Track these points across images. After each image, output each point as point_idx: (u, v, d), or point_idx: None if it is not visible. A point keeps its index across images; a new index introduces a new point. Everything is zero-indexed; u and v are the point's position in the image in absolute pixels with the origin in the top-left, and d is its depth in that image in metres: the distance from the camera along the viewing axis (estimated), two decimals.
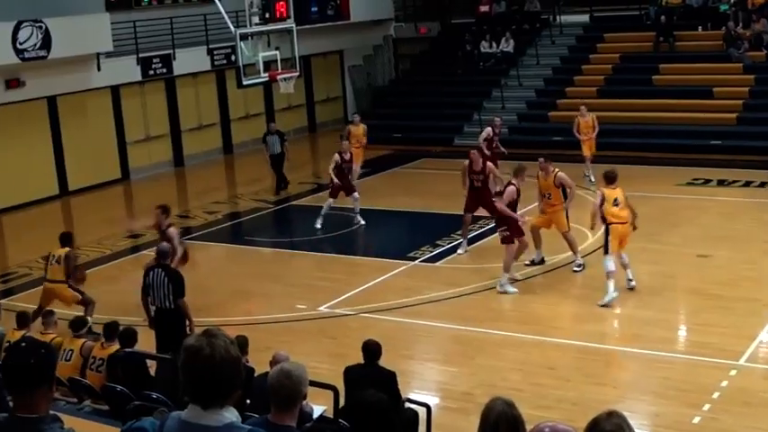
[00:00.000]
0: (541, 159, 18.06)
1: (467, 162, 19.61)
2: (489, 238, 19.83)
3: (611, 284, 16.14)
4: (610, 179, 16.51)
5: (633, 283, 16.70)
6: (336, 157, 22.06)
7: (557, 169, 17.96)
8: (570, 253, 18.34)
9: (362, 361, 10.66)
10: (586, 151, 24.81)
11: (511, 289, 17.11)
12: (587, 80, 31.59)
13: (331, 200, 22.06)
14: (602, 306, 16.06)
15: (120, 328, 12.10)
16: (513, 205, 17.28)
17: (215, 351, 4.05)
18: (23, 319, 12.65)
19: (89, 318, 14.25)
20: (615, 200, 16.23)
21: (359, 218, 22.23)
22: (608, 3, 34.67)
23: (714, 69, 29.73)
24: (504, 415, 5.22)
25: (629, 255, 16.68)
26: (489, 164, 19.76)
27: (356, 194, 22.21)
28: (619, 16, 34.30)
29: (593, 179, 24.03)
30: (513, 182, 17.40)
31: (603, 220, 16.23)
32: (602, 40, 33.20)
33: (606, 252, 16.21)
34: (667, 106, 29.15)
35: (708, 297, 16.34)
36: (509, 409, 5.26)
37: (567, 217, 18.02)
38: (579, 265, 17.91)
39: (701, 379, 13.13)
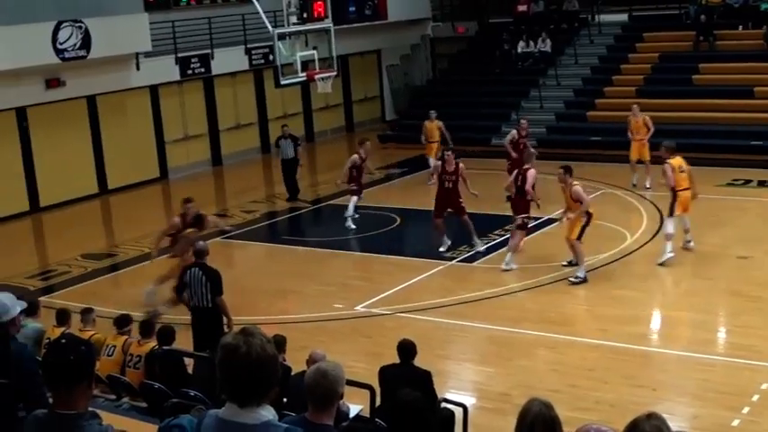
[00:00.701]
0: (560, 171, 17.62)
1: (439, 163, 19.94)
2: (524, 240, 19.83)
3: (669, 245, 17.84)
4: (673, 150, 18.26)
5: (692, 244, 18.43)
6: (355, 157, 22.36)
7: (574, 182, 17.47)
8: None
9: (398, 360, 10.66)
10: (634, 154, 23.81)
11: (514, 266, 18.28)
12: (626, 80, 31.40)
13: (354, 197, 22.31)
14: (659, 265, 17.79)
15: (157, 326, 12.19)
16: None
17: (252, 349, 4.06)
18: (63, 316, 12.71)
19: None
20: (680, 168, 17.92)
21: (350, 221, 22.22)
22: (647, 2, 34.45)
23: (755, 69, 29.44)
24: (540, 416, 5.22)
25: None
26: (461, 165, 19.81)
27: (361, 197, 22.55)
28: (658, 15, 34.06)
29: (634, 182, 23.65)
30: (528, 166, 18.65)
31: (672, 188, 17.92)
32: (641, 40, 33.00)
33: (671, 215, 18.00)
34: (707, 106, 28.92)
35: (748, 299, 16.20)
36: (546, 410, 5.25)
37: (584, 229, 17.37)
38: (577, 278, 17.38)
39: (741, 381, 13.02)
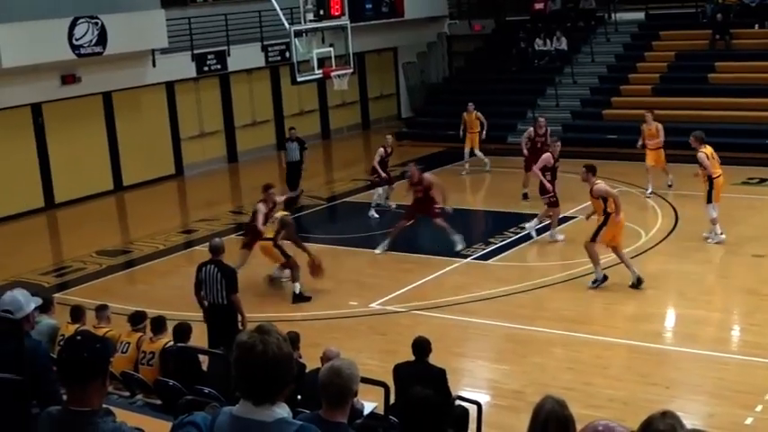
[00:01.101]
0: (583, 170, 17.01)
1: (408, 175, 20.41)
2: (539, 237, 19.83)
3: (718, 227, 18.79)
4: (702, 138, 18.98)
5: (723, 236, 18.84)
6: (381, 150, 22.99)
7: (596, 180, 16.88)
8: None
9: (413, 358, 10.66)
10: (650, 161, 23.13)
11: (560, 237, 19.60)
12: (642, 78, 31.31)
13: (384, 186, 23.04)
14: (716, 243, 18.79)
15: (169, 322, 12.19)
16: (551, 170, 19.46)
17: (267, 348, 4.06)
18: (78, 313, 12.73)
19: (297, 283, 17.20)
20: (712, 155, 18.70)
21: (373, 211, 22.94)
22: (664, 0, 34.37)
23: None
24: (553, 413, 5.21)
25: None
26: (426, 175, 20.10)
27: (389, 188, 23.28)
28: (675, 14, 33.97)
29: (649, 191, 23.11)
30: (548, 149, 19.86)
31: (709, 175, 18.63)
32: (657, 38, 32.90)
33: (709, 201, 18.64)
34: (723, 105, 28.82)
35: (762, 297, 16.15)
36: (560, 408, 5.25)
37: (599, 230, 16.75)
38: (595, 281, 16.98)
39: (755, 380, 13.00)
